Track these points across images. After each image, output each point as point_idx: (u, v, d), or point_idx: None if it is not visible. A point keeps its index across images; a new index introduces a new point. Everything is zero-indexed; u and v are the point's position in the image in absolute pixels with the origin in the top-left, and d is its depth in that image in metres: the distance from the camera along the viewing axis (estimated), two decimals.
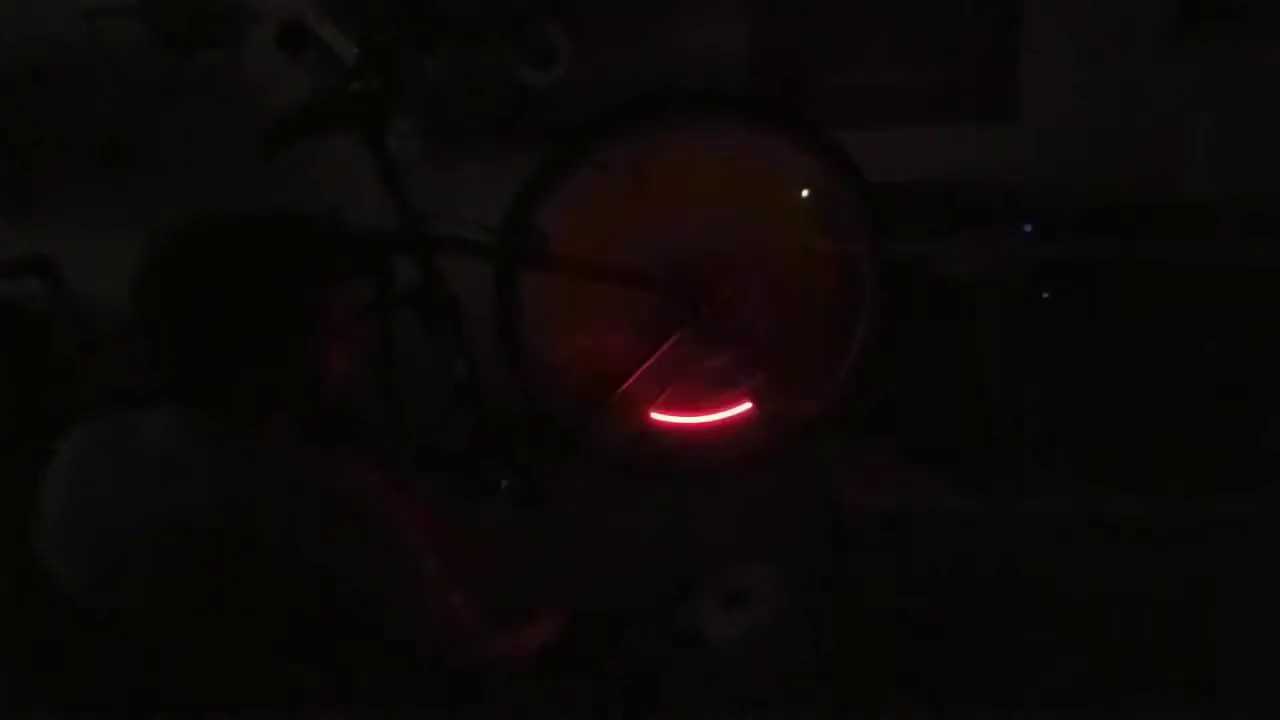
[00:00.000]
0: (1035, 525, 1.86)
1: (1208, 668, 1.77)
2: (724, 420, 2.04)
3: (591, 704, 1.71)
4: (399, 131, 1.97)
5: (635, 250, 1.91)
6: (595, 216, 1.93)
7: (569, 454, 1.94)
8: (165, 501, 1.13)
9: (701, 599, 1.92)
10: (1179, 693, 1.72)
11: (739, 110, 1.91)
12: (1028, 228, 1.92)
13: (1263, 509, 1.80)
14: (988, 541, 1.91)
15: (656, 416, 2.02)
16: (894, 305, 1.92)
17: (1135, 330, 1.89)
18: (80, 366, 2.12)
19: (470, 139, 2.18)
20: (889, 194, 1.93)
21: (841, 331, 1.96)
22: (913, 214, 1.94)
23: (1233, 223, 1.87)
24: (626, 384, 1.93)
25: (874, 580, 1.93)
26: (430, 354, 1.84)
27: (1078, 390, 1.91)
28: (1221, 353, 1.87)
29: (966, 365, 1.96)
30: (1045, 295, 1.93)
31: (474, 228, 1.80)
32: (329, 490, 1.16)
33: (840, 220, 1.92)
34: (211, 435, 1.18)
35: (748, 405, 2.03)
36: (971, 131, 2.13)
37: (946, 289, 2.00)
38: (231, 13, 2.22)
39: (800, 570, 1.95)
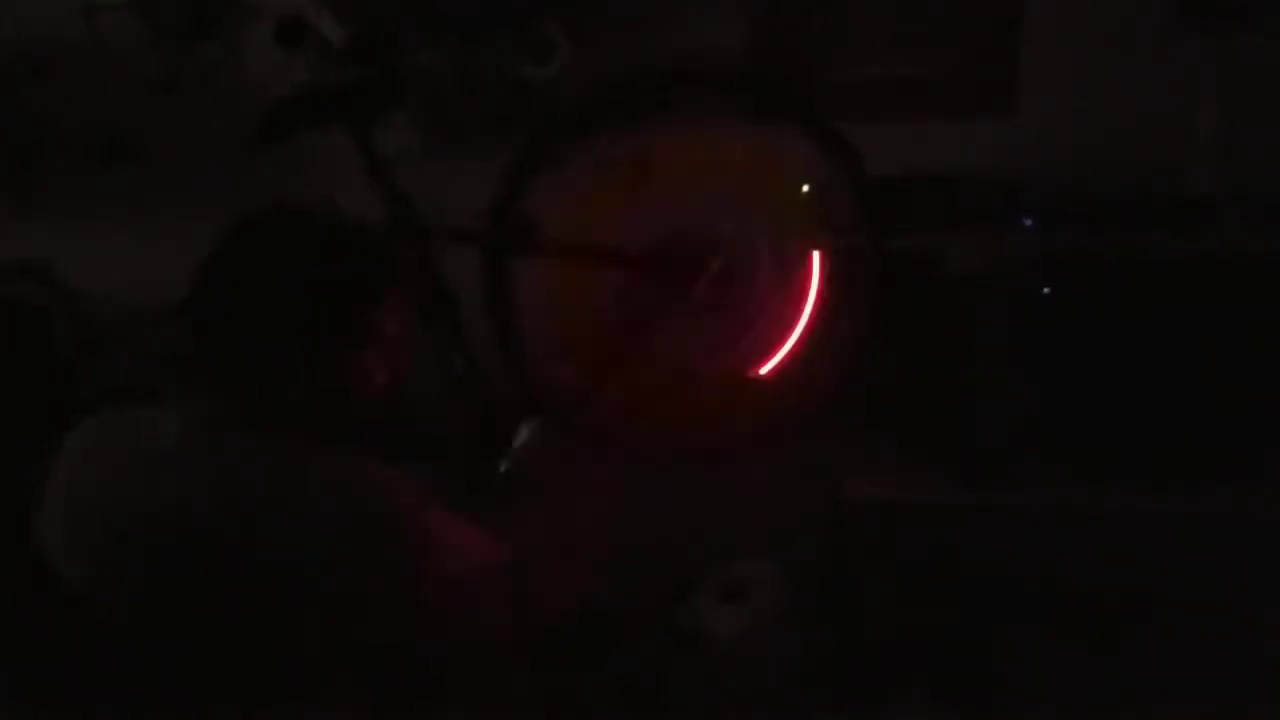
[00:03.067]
0: (1036, 522, 1.86)
1: (1208, 666, 1.77)
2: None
3: (590, 701, 1.71)
4: (399, 127, 1.98)
5: (628, 233, 1.90)
6: (587, 199, 1.92)
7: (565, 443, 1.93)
8: (180, 501, 1.12)
9: (701, 593, 1.92)
10: (1179, 692, 1.71)
11: (734, 91, 1.91)
12: (1028, 223, 1.92)
13: (1265, 506, 1.80)
14: (988, 538, 1.91)
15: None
16: (894, 299, 1.92)
17: (1136, 326, 1.89)
18: (80, 366, 2.12)
19: (469, 135, 2.18)
20: (889, 189, 1.92)
21: (840, 324, 1.96)
22: (912, 209, 1.94)
23: (1233, 218, 1.86)
24: (620, 368, 1.93)
25: (874, 577, 1.93)
26: (427, 346, 1.83)
27: (1078, 386, 1.91)
28: (1222, 349, 1.87)
29: (966, 360, 1.96)
30: (1046, 291, 1.93)
31: (465, 218, 1.79)
32: (350, 492, 1.15)
33: (838, 209, 1.92)
34: (232, 436, 1.17)
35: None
36: (971, 127, 2.13)
37: (946, 284, 2.00)
38: (231, 8, 2.21)
39: (800, 565, 1.95)
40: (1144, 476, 1.84)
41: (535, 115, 2.07)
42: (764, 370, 1.98)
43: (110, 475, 1.18)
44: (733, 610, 1.89)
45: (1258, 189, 1.88)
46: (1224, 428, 1.87)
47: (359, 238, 1.28)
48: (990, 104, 2.15)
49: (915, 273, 1.95)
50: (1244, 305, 1.86)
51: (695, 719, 1.76)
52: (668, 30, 2.14)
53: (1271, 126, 1.97)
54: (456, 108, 2.14)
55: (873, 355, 1.95)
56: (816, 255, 1.95)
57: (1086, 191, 1.98)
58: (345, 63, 1.81)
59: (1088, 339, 1.90)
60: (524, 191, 1.84)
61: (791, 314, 1.96)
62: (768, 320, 1.95)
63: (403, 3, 1.97)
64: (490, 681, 1.46)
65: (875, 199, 1.88)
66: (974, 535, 1.92)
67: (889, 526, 1.91)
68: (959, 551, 1.92)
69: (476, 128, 2.16)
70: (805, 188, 1.97)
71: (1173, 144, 1.97)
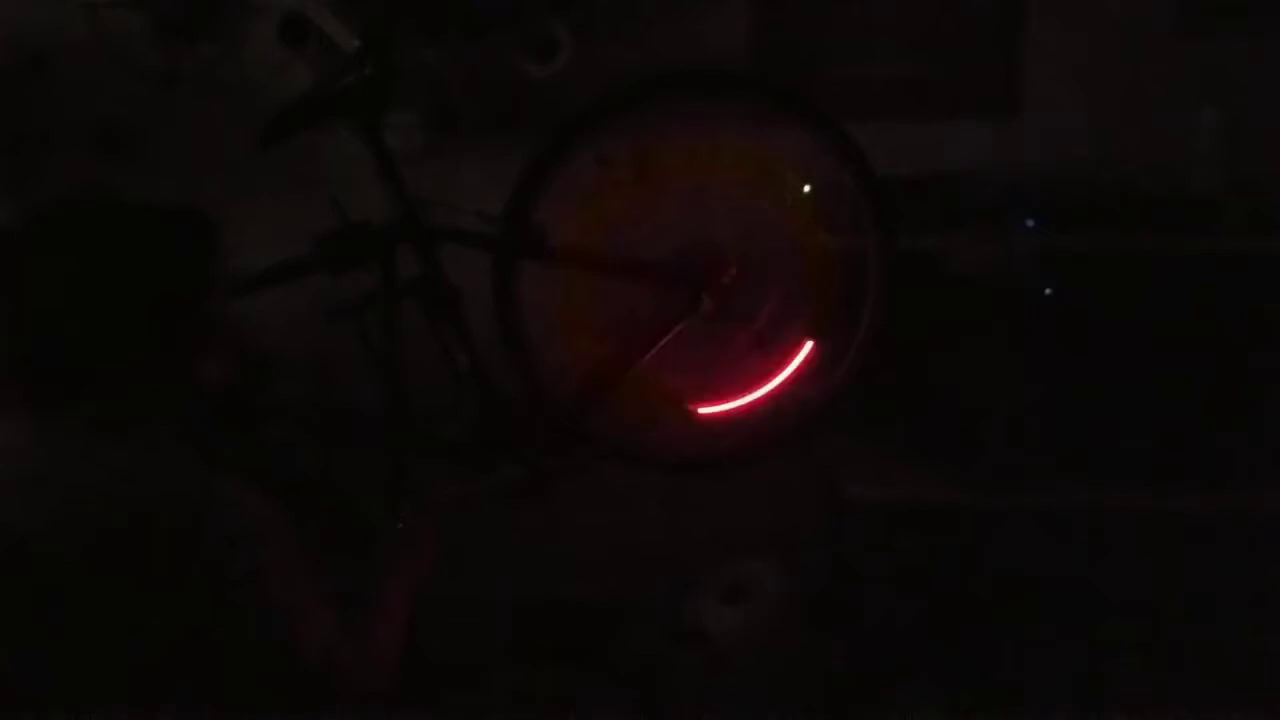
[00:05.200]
0: (1036, 522, 1.87)
1: (1209, 666, 1.77)
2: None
3: (590, 698, 1.71)
4: (400, 124, 1.97)
5: (637, 240, 1.90)
6: (595, 206, 1.92)
7: (569, 445, 1.93)
8: (25, 516, 1.10)
9: (702, 594, 1.92)
10: (1180, 691, 1.72)
11: (742, 93, 1.91)
12: (1030, 223, 1.92)
13: (1265, 506, 1.80)
14: (988, 538, 1.91)
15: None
16: (898, 298, 1.92)
17: (1136, 326, 1.89)
18: None
19: (471, 131, 2.18)
20: (892, 189, 1.92)
21: (846, 324, 1.96)
22: (915, 209, 1.94)
23: (1236, 218, 1.87)
24: (627, 374, 1.92)
25: (874, 576, 1.93)
26: (432, 345, 1.83)
27: (1078, 386, 1.91)
28: (1223, 349, 1.87)
29: (968, 360, 1.96)
30: (1048, 292, 1.93)
31: (474, 219, 1.79)
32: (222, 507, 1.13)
33: (847, 210, 1.91)
34: (74, 443, 1.14)
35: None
36: (974, 127, 2.13)
37: (949, 284, 2.00)
38: (232, 4, 2.20)
39: (800, 566, 1.95)
40: (1144, 476, 1.84)
41: (542, 116, 2.06)
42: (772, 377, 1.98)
43: None
44: (733, 610, 1.89)
45: (1258, 189, 1.89)
46: (1224, 427, 1.87)
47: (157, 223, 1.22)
48: (990, 104, 2.15)
49: (915, 273, 1.95)
50: (1244, 305, 1.87)
51: (695, 718, 1.77)
52: (670, 26, 2.14)
53: (1271, 127, 1.97)
54: (458, 104, 2.14)
55: (875, 355, 1.95)
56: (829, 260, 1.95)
57: (1086, 191, 1.98)
58: (347, 61, 1.80)
59: (1088, 339, 1.90)
60: (537, 197, 1.84)
61: (804, 319, 1.95)
62: (779, 328, 1.95)
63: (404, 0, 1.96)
64: (490, 681, 1.46)
65: (888, 198, 1.87)
66: (974, 535, 1.92)
67: (889, 526, 1.91)
68: (959, 551, 1.92)
69: (478, 126, 2.16)
70: (807, 188, 1.97)
71: (1173, 144, 1.97)
